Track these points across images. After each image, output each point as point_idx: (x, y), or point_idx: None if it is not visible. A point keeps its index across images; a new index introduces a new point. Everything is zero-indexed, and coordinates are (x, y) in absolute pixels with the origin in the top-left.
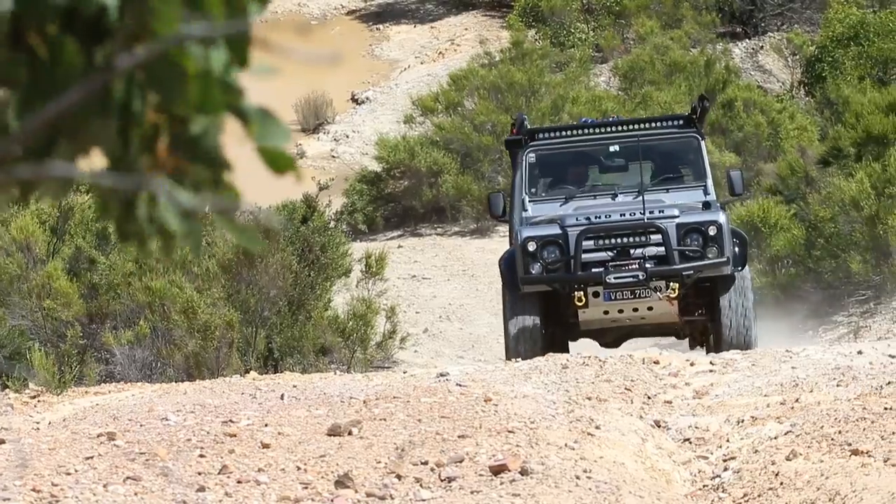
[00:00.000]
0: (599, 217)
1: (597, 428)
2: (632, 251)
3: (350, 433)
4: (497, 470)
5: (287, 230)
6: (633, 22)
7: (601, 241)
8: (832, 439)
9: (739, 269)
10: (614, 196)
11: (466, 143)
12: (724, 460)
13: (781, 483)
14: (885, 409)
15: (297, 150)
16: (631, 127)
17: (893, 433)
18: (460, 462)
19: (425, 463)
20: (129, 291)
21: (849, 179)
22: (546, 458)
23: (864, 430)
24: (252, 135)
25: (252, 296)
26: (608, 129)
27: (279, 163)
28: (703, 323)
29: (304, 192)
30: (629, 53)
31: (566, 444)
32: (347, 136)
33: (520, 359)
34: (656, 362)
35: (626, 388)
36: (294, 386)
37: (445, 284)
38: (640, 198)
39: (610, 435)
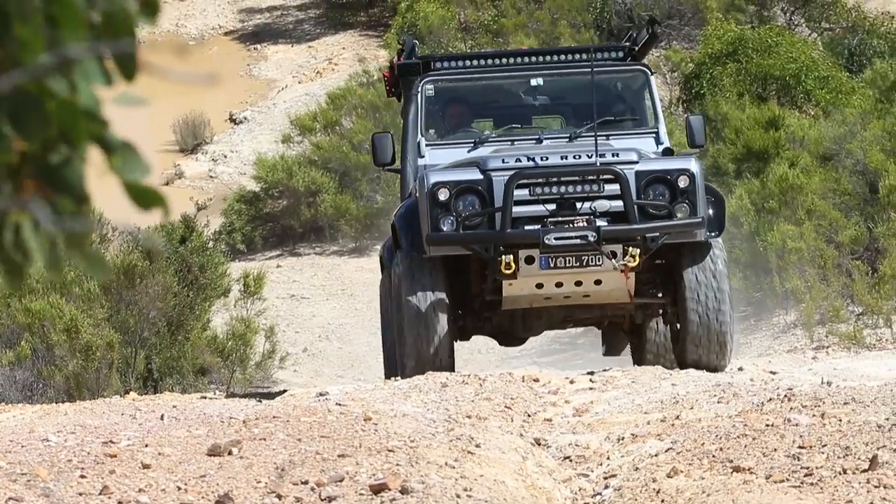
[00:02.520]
0: (533, 159)
1: (477, 446)
2: (578, 204)
3: (230, 453)
4: (377, 489)
5: (166, 250)
6: (511, 40)
7: (539, 191)
8: (713, 456)
9: (715, 234)
10: (538, 142)
11: (345, 161)
12: (605, 478)
13: (662, 500)
14: (767, 425)
15: (175, 170)
16: (558, 58)
17: (775, 450)
18: (340, 481)
19: (305, 482)
20: (8, 312)
21: (728, 196)
22: (426, 477)
23: (745, 446)
24: (114, 167)
25: (132, 316)
26: (528, 60)
27: (146, 198)
28: (657, 308)
29: (183, 212)
30: None
31: (446, 463)
32: (226, 156)
33: (420, 352)
34: (536, 380)
35: (506, 407)
36: (174, 406)
37: (324, 304)
38: (580, 141)
39: (490, 453)
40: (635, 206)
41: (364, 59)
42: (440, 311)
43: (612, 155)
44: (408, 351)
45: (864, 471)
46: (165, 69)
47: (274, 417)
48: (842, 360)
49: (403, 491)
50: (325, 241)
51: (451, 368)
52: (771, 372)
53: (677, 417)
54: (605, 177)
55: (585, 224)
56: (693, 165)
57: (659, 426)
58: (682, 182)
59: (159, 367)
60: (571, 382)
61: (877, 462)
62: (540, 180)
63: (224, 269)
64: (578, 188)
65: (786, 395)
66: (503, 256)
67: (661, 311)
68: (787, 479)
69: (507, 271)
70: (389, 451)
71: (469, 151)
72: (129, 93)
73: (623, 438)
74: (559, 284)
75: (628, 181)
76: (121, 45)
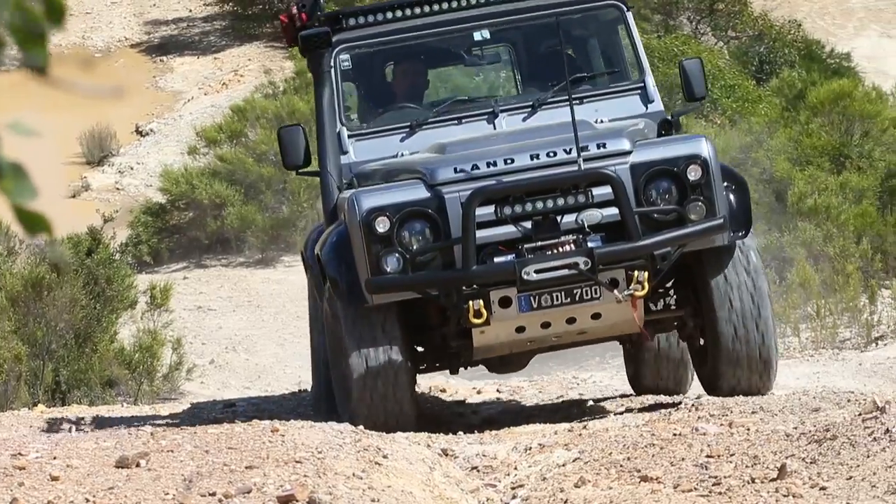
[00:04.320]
0: (495, 163)
1: (384, 457)
2: (560, 218)
3: (138, 465)
4: (285, 500)
5: (73, 263)
6: None
7: (508, 210)
8: (621, 466)
9: (742, 234)
10: (493, 116)
11: (249, 173)
12: (513, 488)
13: None
14: (674, 434)
15: (82, 182)
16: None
17: (683, 459)
18: (248, 493)
19: (213, 494)
20: None
21: None
22: (334, 488)
23: (653, 456)
24: (5, 190)
25: (39, 329)
26: (465, 3)
27: (33, 224)
28: (671, 322)
29: (89, 224)
30: None
31: (354, 474)
32: (132, 169)
33: (376, 417)
34: (443, 391)
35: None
36: (82, 418)
37: (231, 315)
38: (547, 113)
39: (398, 464)
40: (636, 216)
41: (270, 70)
42: (399, 374)
43: (598, 146)
44: (357, 413)
45: (773, 480)
46: (72, 81)
47: (181, 429)
48: None
49: (311, 502)
50: (232, 252)
51: (414, 427)
52: None
53: (585, 427)
54: (596, 181)
55: (573, 247)
56: (704, 148)
57: (566, 436)
58: (693, 174)
59: (67, 379)
60: (479, 392)
61: (785, 471)
62: (508, 194)
63: (131, 281)
64: (560, 201)
65: (693, 405)
66: (470, 302)
67: (675, 325)
68: (696, 489)
69: (478, 320)
70: (297, 462)
71: (403, 140)
72: (22, 123)
73: (530, 448)
74: (546, 325)
75: (623, 186)
76: (32, 56)
